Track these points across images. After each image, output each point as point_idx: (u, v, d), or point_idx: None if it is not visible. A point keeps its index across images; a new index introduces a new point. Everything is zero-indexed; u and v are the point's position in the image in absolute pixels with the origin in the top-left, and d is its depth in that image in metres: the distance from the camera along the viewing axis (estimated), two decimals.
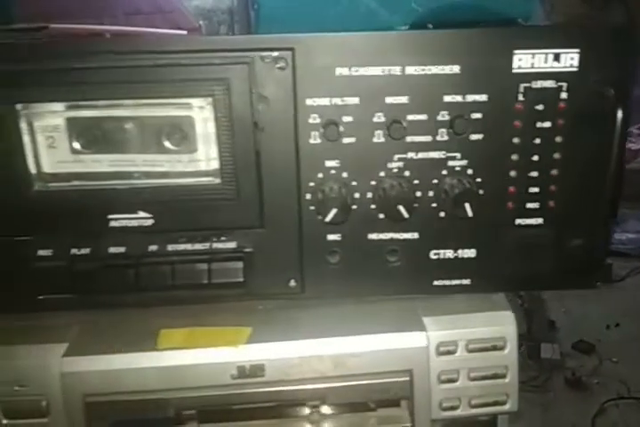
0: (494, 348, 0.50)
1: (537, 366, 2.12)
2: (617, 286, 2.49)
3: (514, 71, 0.46)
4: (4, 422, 0.48)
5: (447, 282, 0.52)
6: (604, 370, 2.23)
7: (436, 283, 0.52)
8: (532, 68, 0.46)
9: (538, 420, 1.88)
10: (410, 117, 0.47)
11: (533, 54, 0.46)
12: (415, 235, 0.51)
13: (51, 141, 0.48)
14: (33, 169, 0.48)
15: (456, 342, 0.50)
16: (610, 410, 2.02)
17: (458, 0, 1.11)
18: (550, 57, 0.46)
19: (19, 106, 0.46)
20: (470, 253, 0.51)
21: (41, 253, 0.49)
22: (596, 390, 2.18)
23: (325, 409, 0.50)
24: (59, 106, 0.47)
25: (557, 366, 2.22)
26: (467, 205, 0.47)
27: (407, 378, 0.49)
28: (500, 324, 0.51)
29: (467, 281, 0.52)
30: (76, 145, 0.48)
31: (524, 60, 0.46)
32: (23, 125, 0.47)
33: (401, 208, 0.47)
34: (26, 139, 0.47)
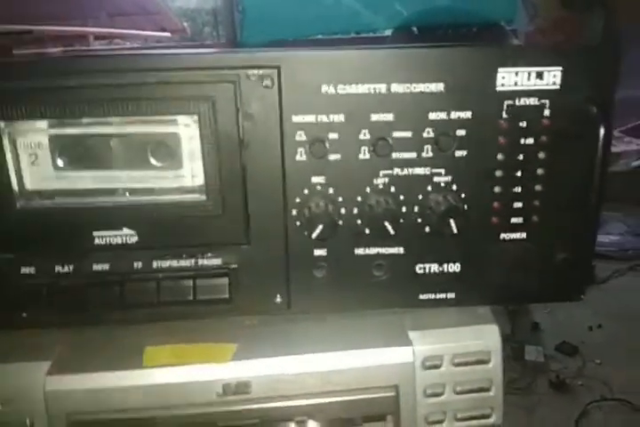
0: (479, 362, 0.51)
1: (520, 368, 2.14)
2: (600, 287, 2.52)
3: (497, 89, 0.47)
4: None
5: (433, 296, 0.53)
6: (588, 372, 2.26)
7: (421, 297, 0.53)
8: (516, 85, 0.47)
9: (522, 422, 1.90)
10: (395, 134, 0.47)
11: (517, 72, 0.46)
12: (401, 250, 0.51)
13: (33, 158, 0.48)
14: (15, 186, 0.47)
15: (442, 356, 0.50)
16: (593, 412, 2.05)
17: (442, 3, 1.12)
18: (533, 75, 0.46)
19: (1, 123, 0.46)
20: (455, 267, 0.52)
21: (24, 270, 0.49)
22: (580, 392, 2.20)
23: (312, 425, 0.51)
24: (42, 123, 0.47)
25: (541, 369, 2.24)
26: (451, 222, 0.47)
27: (393, 393, 0.49)
28: (485, 337, 0.51)
29: (452, 295, 0.53)
30: (60, 162, 0.48)
31: (507, 78, 0.46)
32: (5, 142, 0.46)
33: (387, 224, 0.47)
34: (8, 156, 0.47)
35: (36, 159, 0.48)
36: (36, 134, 0.47)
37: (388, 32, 1.22)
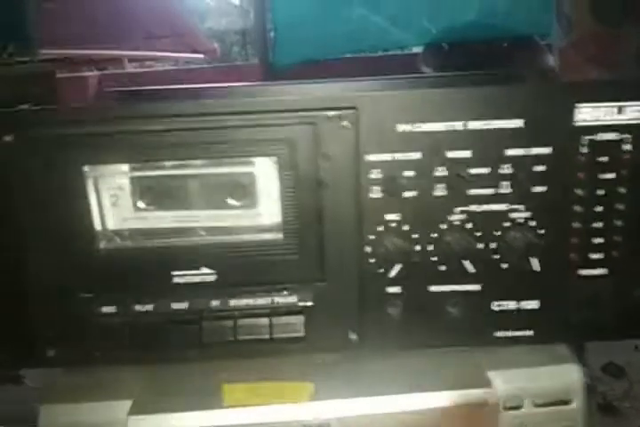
0: (561, 402, 0.49)
1: None
2: None
3: (576, 124, 0.46)
4: None
5: (509, 333, 0.52)
6: (636, 393, 2.17)
7: (497, 334, 0.52)
8: (595, 121, 0.46)
9: None
10: (472, 171, 0.47)
11: (596, 107, 0.46)
12: (477, 287, 0.50)
13: (115, 199, 0.49)
14: (98, 227, 0.49)
15: (522, 397, 0.49)
16: None
17: (471, 18, 1.09)
18: (614, 110, 0.46)
19: (86, 168, 0.47)
20: (533, 304, 0.51)
21: (105, 309, 0.50)
22: (629, 415, 2.11)
23: None
24: (125, 166, 0.48)
25: (588, 391, 2.16)
26: (532, 260, 0.46)
27: None
28: (566, 377, 0.50)
29: (530, 332, 0.51)
30: (140, 203, 0.49)
31: (586, 114, 0.46)
32: (89, 185, 0.48)
33: (466, 263, 0.46)
34: (92, 198, 0.48)
35: (117, 200, 0.49)
36: (118, 177, 0.49)
37: (417, 49, 1.21)
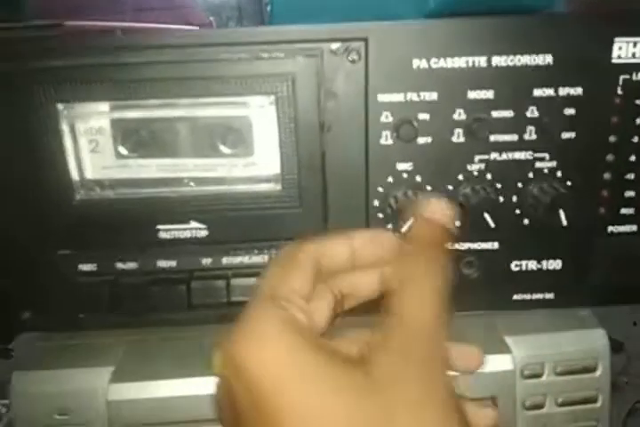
0: (585, 370, 0.45)
1: None
2: None
3: (613, 61, 0.41)
4: None
5: (528, 296, 0.47)
6: (634, 369, 2.17)
7: (515, 297, 0.47)
8: (634, 57, 0.41)
9: None
10: (494, 114, 0.42)
11: (635, 43, 0.41)
12: (495, 245, 0.46)
13: (94, 145, 0.44)
14: (75, 176, 0.43)
15: (543, 364, 0.45)
16: None
17: None
18: None
19: (59, 106, 0.42)
20: (556, 264, 0.46)
21: (84, 267, 0.45)
22: (627, 390, 2.11)
23: None
24: (103, 106, 0.43)
25: None
26: (561, 213, 0.41)
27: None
28: (591, 343, 0.46)
29: (550, 295, 0.47)
30: (122, 149, 0.44)
31: (624, 49, 0.41)
32: (64, 127, 0.42)
33: (487, 216, 0.42)
34: (67, 142, 0.43)
35: (97, 146, 0.44)
36: (97, 118, 0.43)
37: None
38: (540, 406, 0.45)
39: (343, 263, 0.32)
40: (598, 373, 0.46)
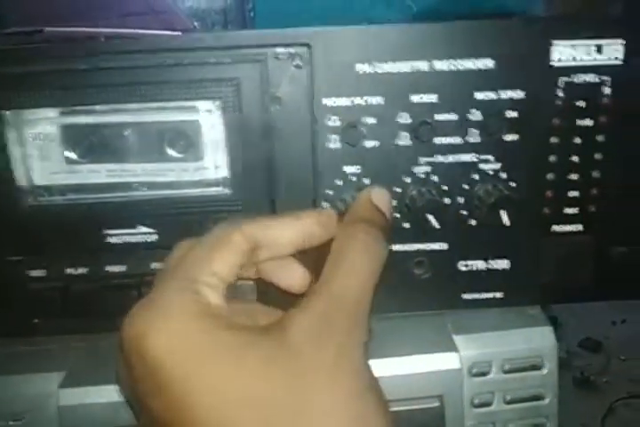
0: (532, 367, 0.46)
1: None
2: None
3: (552, 64, 0.42)
4: None
5: (477, 295, 0.48)
6: (613, 368, 2.19)
7: (465, 296, 0.48)
8: (573, 60, 0.42)
9: None
10: (438, 117, 0.43)
11: (574, 45, 0.41)
12: (444, 245, 0.46)
13: (43, 151, 0.44)
14: (23, 182, 0.43)
15: (490, 362, 0.46)
16: (620, 410, 1.99)
17: None
18: (592, 48, 0.41)
19: (7, 113, 0.42)
20: (503, 263, 0.47)
21: (33, 273, 0.45)
22: (606, 390, 2.14)
23: None
24: (52, 112, 0.43)
25: (564, 365, 2.18)
26: (503, 213, 0.42)
27: (437, 404, 0.45)
28: (538, 341, 0.47)
29: (499, 294, 0.48)
30: (71, 155, 0.44)
31: (563, 52, 0.42)
32: (12, 134, 0.42)
33: (431, 218, 0.42)
34: (15, 149, 0.43)
35: (46, 152, 0.44)
36: (45, 124, 0.43)
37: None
38: (488, 404, 0.46)
39: (286, 245, 0.32)
40: (545, 370, 0.46)
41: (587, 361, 2.22)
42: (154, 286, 0.28)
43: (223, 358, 0.25)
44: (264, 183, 0.44)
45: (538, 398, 0.47)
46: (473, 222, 0.46)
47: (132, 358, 0.26)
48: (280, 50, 0.41)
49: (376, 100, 0.42)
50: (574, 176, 0.45)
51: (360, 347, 0.27)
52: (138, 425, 0.30)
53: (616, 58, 0.42)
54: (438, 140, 0.43)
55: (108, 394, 0.43)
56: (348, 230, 0.32)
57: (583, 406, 2.05)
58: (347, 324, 0.27)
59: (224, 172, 0.44)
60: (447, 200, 0.45)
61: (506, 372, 0.46)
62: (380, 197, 0.35)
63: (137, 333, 0.26)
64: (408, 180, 0.44)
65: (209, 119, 0.43)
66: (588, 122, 0.43)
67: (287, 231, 0.33)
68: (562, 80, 0.42)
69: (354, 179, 0.44)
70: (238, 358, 0.25)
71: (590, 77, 0.42)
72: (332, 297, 0.28)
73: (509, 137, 0.43)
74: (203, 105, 0.43)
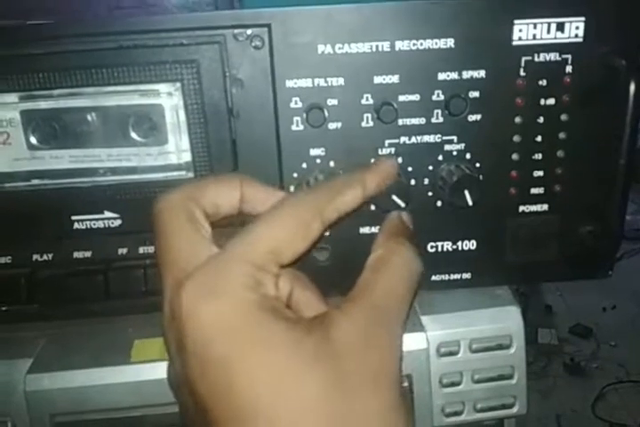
0: (499, 347, 0.47)
1: (534, 352, 2.10)
2: None
3: (514, 44, 0.42)
4: None
5: (446, 276, 0.48)
6: (603, 354, 2.22)
7: (433, 278, 0.48)
8: (534, 39, 0.42)
9: (537, 407, 1.86)
10: (401, 98, 0.43)
11: (535, 24, 0.41)
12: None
13: (5, 137, 0.44)
14: None
15: (458, 341, 0.46)
16: (610, 394, 2.01)
17: None
18: (553, 27, 0.41)
19: None
20: (470, 244, 0.47)
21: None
22: (596, 375, 2.16)
23: None
24: (11, 97, 0.42)
25: (555, 352, 2.20)
26: (466, 193, 0.42)
27: (406, 384, 0.45)
28: (505, 320, 0.47)
29: (467, 275, 0.48)
30: (33, 140, 0.44)
31: (524, 31, 0.42)
32: None
33: (396, 198, 0.42)
34: None
35: (8, 138, 0.44)
36: (6, 110, 0.43)
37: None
38: (456, 384, 0.46)
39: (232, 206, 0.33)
40: (513, 349, 0.47)
41: (577, 347, 2.25)
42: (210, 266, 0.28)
43: (274, 351, 0.25)
44: (228, 167, 0.43)
45: (506, 377, 0.47)
46: (439, 204, 0.46)
47: (188, 323, 0.25)
48: (239, 31, 0.40)
49: (338, 81, 0.42)
50: (539, 156, 0.45)
51: (398, 361, 0.28)
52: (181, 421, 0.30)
53: (576, 35, 0.42)
54: (402, 122, 0.43)
55: (75, 379, 0.43)
56: (389, 244, 0.34)
57: (574, 391, 2.07)
58: (388, 332, 0.28)
59: (187, 156, 0.43)
60: (413, 181, 0.45)
61: (474, 351, 0.46)
62: (408, 218, 0.38)
63: (197, 300, 0.25)
64: (373, 161, 0.44)
65: (170, 102, 0.42)
66: (551, 101, 0.43)
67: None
68: (524, 59, 0.42)
69: (319, 161, 0.44)
70: (288, 354, 0.25)
71: (552, 56, 0.42)
72: (377, 307, 0.29)
73: (473, 117, 0.43)
74: (164, 88, 0.42)
